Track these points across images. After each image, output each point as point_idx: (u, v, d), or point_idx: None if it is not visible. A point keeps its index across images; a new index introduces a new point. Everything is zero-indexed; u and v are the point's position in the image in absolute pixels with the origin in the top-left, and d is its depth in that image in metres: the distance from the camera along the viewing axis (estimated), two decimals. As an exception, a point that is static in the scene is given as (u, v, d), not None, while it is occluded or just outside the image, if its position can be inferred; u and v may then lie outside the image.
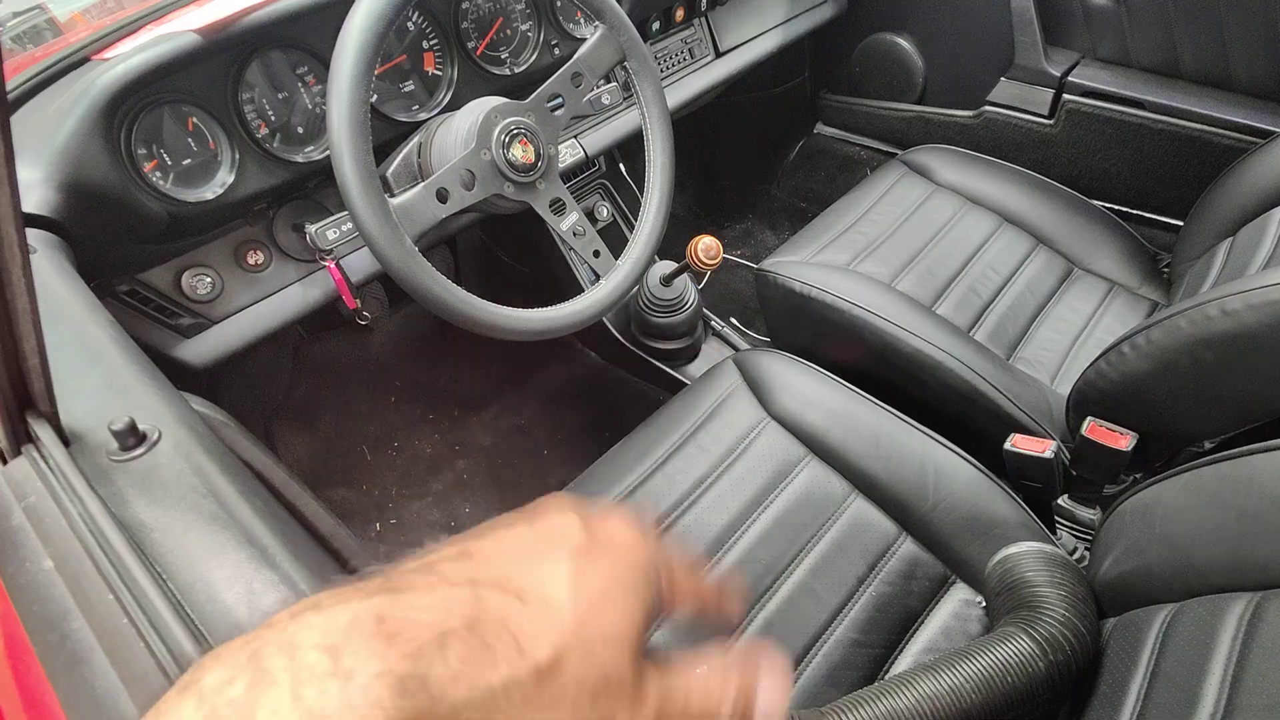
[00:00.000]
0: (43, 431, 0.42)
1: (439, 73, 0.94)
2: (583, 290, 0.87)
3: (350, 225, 0.82)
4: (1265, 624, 0.44)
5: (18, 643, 0.35)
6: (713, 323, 1.38)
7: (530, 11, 1.01)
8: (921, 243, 1.12)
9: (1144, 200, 1.28)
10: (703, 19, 1.31)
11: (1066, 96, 1.28)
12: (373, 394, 1.46)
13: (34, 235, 0.65)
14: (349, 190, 0.69)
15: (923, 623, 0.73)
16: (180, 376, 0.83)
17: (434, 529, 1.31)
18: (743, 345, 1.36)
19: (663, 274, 1.19)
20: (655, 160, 0.88)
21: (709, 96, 1.36)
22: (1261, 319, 0.64)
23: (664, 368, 1.30)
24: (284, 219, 0.89)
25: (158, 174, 0.77)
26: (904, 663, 0.71)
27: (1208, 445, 0.78)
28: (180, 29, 0.75)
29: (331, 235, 0.82)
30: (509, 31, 1.00)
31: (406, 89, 0.92)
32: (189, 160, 0.79)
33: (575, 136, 1.14)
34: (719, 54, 1.34)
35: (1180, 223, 1.11)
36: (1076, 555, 0.80)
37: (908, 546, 0.78)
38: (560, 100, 0.83)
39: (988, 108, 1.40)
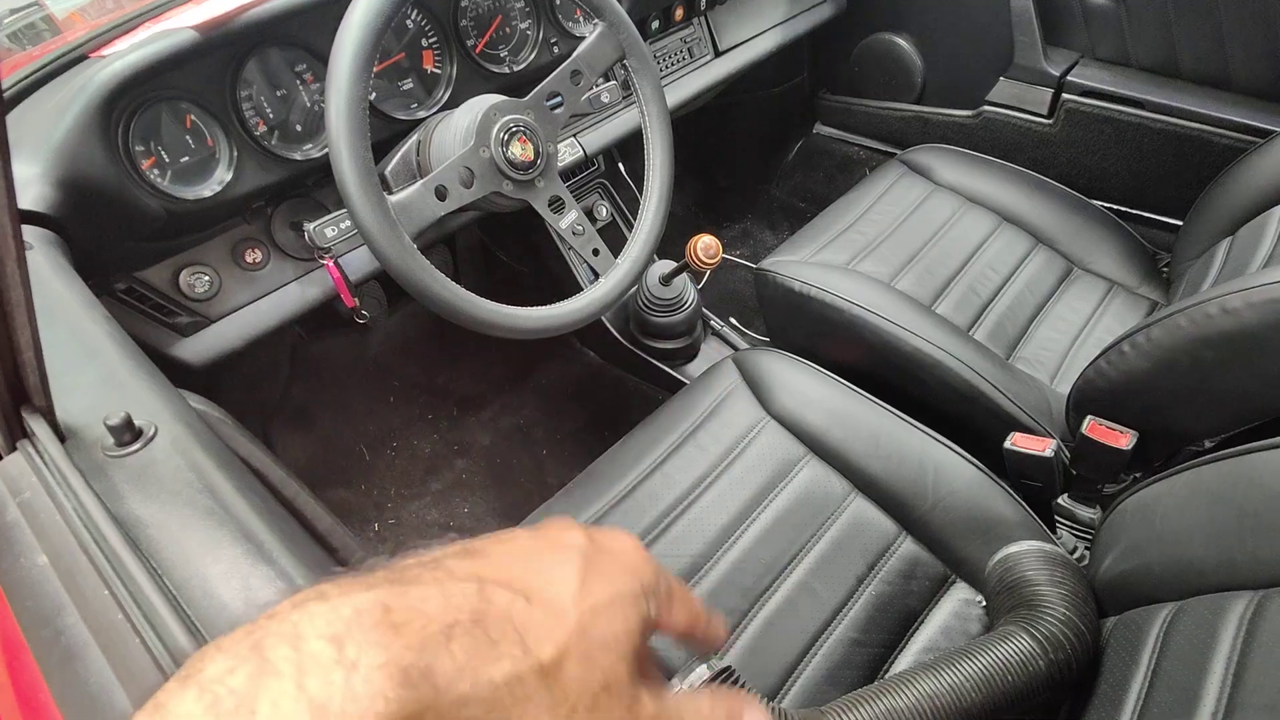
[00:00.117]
0: (38, 427, 0.41)
1: (438, 70, 0.94)
2: (581, 289, 0.87)
3: (349, 223, 0.82)
4: (1266, 623, 0.44)
5: (12, 638, 0.35)
6: (712, 322, 1.38)
7: (529, 9, 1.01)
8: (921, 242, 1.12)
9: (1143, 200, 1.28)
10: (702, 18, 1.31)
11: (1065, 96, 1.28)
12: (371, 393, 1.46)
13: (31, 232, 0.65)
14: (347, 188, 0.69)
15: (923, 622, 0.73)
16: (178, 375, 0.82)
17: (433, 529, 1.31)
18: (742, 345, 1.36)
19: (662, 273, 1.19)
20: (654, 159, 0.88)
21: (708, 96, 1.36)
22: (1262, 317, 0.64)
23: (663, 367, 1.29)
24: (282, 217, 0.89)
25: (155, 171, 0.77)
26: (904, 662, 0.71)
27: (1208, 444, 0.78)
28: (178, 26, 0.75)
29: (330, 233, 0.81)
30: (508, 29, 1.00)
31: (405, 87, 0.92)
32: (187, 158, 0.79)
33: (574, 135, 1.14)
34: (718, 53, 1.34)
35: (1179, 222, 1.11)
36: (1076, 554, 0.80)
37: (907, 546, 0.77)
38: (559, 98, 0.82)
39: (987, 107, 1.40)
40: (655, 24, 1.21)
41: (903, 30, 1.50)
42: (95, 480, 0.40)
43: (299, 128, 0.85)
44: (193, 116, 0.78)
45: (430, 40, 0.93)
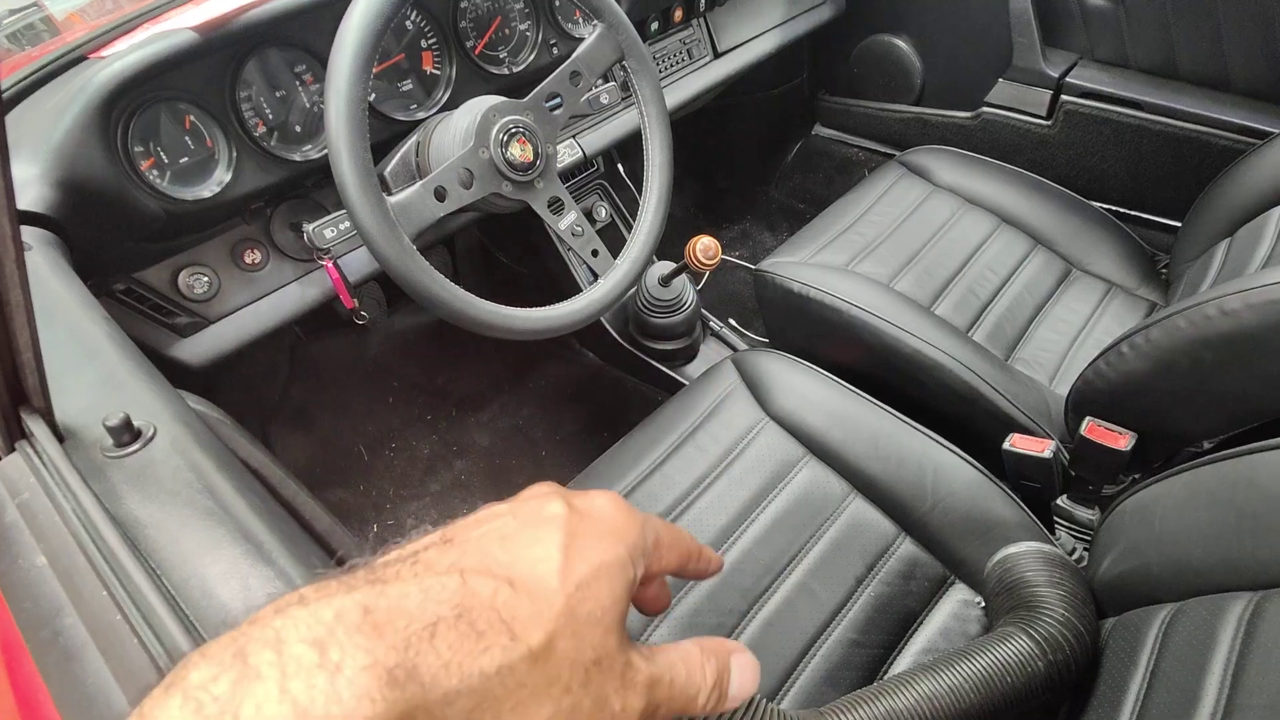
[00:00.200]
0: (37, 427, 0.41)
1: (437, 72, 0.94)
2: (581, 290, 0.87)
3: (348, 224, 0.82)
4: (1265, 623, 0.44)
5: (10, 639, 0.35)
6: (711, 323, 1.38)
7: (529, 10, 1.01)
8: (920, 243, 1.12)
9: (1142, 201, 1.28)
10: (701, 19, 1.31)
11: (1064, 97, 1.28)
12: (370, 394, 1.46)
13: (30, 233, 0.65)
14: (347, 188, 0.69)
15: (922, 623, 0.73)
16: (177, 376, 0.82)
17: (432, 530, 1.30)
18: (741, 346, 1.36)
19: (661, 274, 1.19)
20: (654, 160, 0.88)
21: (707, 97, 1.36)
22: (1260, 318, 0.64)
23: (662, 368, 1.29)
24: (281, 218, 0.89)
25: (154, 172, 0.77)
26: (903, 663, 0.71)
27: (1206, 445, 0.78)
28: (177, 27, 0.75)
29: (329, 234, 0.81)
30: (507, 31, 1.00)
31: (405, 88, 0.92)
32: (186, 158, 0.79)
33: (574, 136, 1.14)
34: (717, 54, 1.34)
35: (1178, 223, 1.11)
36: (1075, 555, 0.80)
37: (907, 547, 0.77)
38: (559, 99, 0.82)
39: (986, 109, 1.40)
40: (654, 25, 1.21)
41: (902, 32, 1.50)
42: (94, 481, 0.40)
43: (298, 129, 0.85)
44: (192, 117, 0.78)
45: (430, 41, 0.93)
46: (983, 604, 0.73)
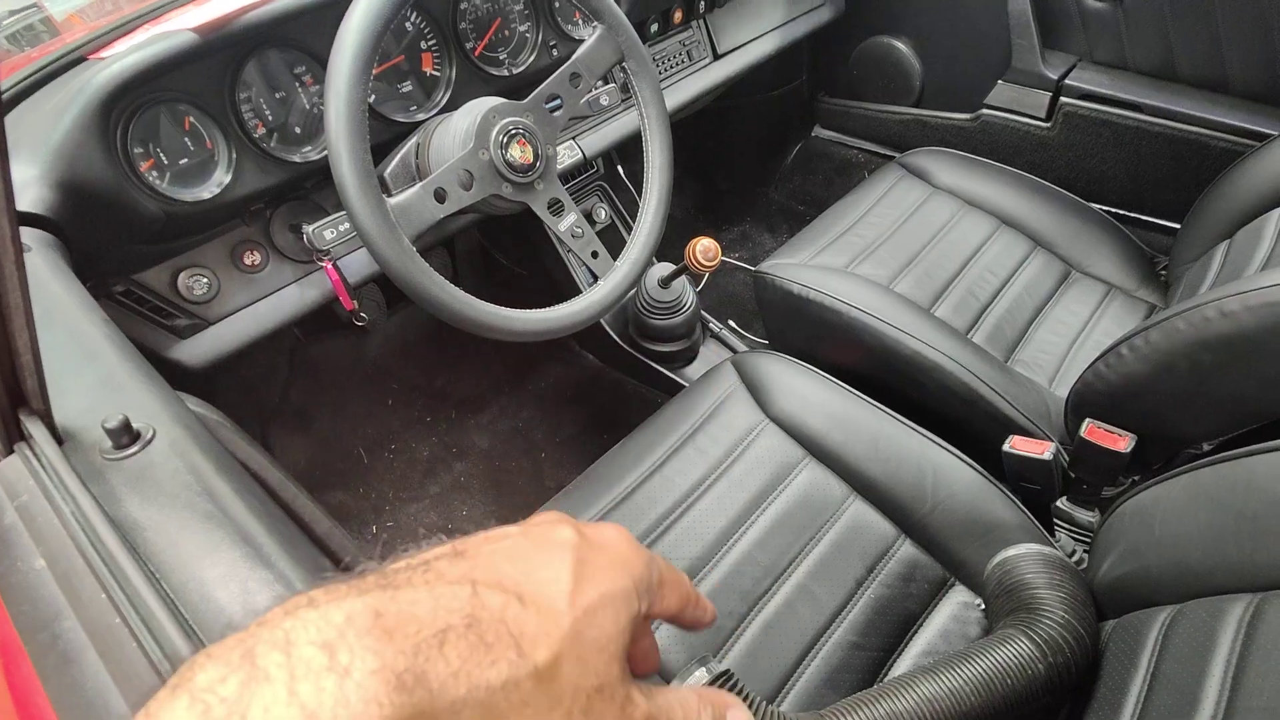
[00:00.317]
0: (36, 430, 0.41)
1: (437, 73, 0.94)
2: (581, 291, 0.87)
3: (348, 225, 0.82)
4: (1265, 625, 0.44)
5: (9, 642, 0.35)
6: (711, 325, 1.38)
7: (529, 12, 1.01)
8: (919, 245, 1.12)
9: (1141, 203, 1.28)
10: (701, 21, 1.31)
11: (1063, 99, 1.28)
12: (370, 396, 1.46)
13: (29, 234, 0.65)
14: (346, 190, 0.69)
15: (922, 625, 0.73)
16: (176, 377, 0.82)
17: (431, 532, 1.30)
18: (741, 347, 1.36)
19: (661, 276, 1.19)
20: (654, 161, 0.88)
21: (707, 99, 1.37)
22: (1259, 321, 0.64)
23: (662, 370, 1.29)
24: (281, 219, 0.89)
25: (154, 173, 0.77)
26: (903, 665, 0.71)
27: (1206, 447, 0.78)
28: (177, 28, 0.74)
29: (329, 235, 0.81)
30: (507, 32, 1.00)
31: (404, 89, 0.92)
32: (186, 160, 0.79)
33: (574, 138, 1.14)
34: (717, 56, 1.34)
35: (1177, 225, 1.11)
36: (1075, 557, 0.80)
37: (906, 549, 0.77)
38: (559, 101, 0.83)
39: (985, 111, 1.40)
40: (654, 27, 1.22)
41: (901, 34, 1.50)
42: (93, 483, 0.40)
43: (298, 130, 0.85)
44: (191, 118, 0.78)
45: (429, 43, 0.93)
46: (983, 606, 0.73)
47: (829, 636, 0.71)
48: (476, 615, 0.21)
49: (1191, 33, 1.13)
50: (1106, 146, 1.27)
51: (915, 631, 0.73)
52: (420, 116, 0.92)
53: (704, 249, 1.03)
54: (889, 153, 1.60)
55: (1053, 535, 0.81)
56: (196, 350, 0.84)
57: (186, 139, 0.79)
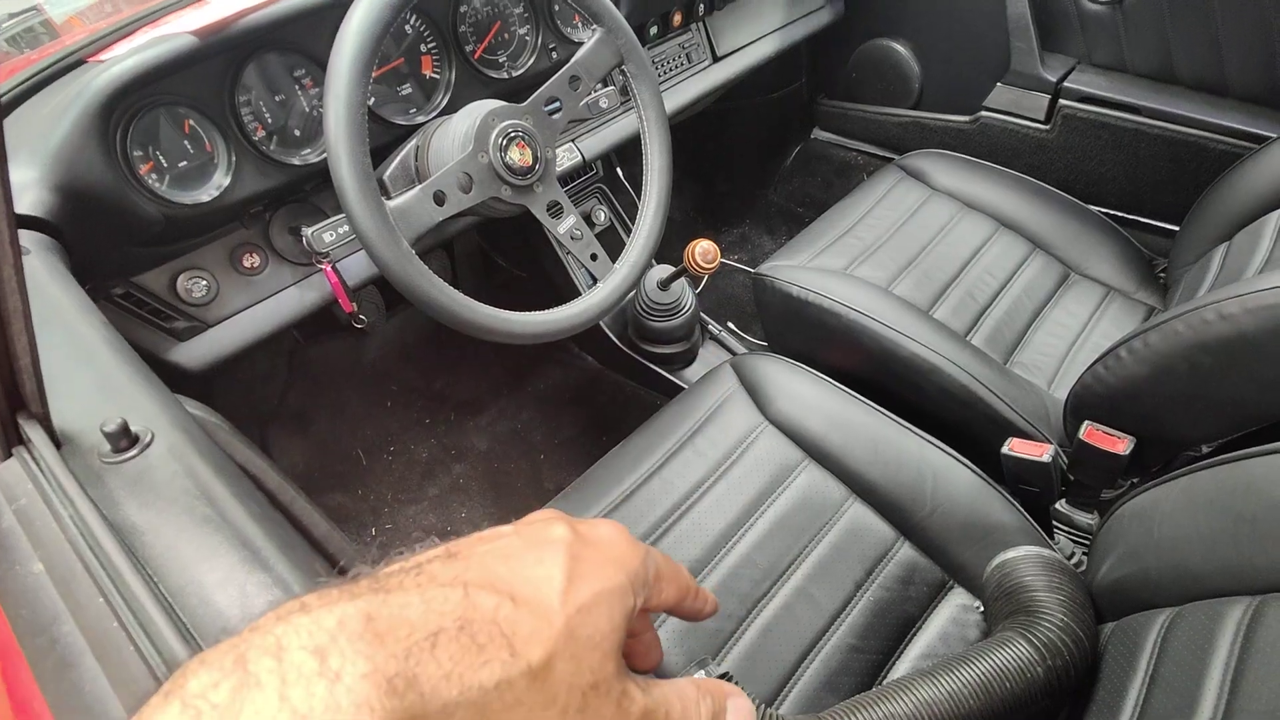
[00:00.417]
0: (34, 433, 0.41)
1: (436, 76, 0.94)
2: (580, 294, 0.87)
3: (347, 228, 0.82)
4: (1264, 628, 0.44)
5: (7, 646, 0.35)
6: (710, 327, 1.38)
7: (528, 15, 1.01)
8: (918, 247, 1.12)
9: (1140, 205, 1.28)
10: (700, 24, 1.32)
11: (1062, 102, 1.28)
12: (368, 398, 1.46)
13: (28, 237, 0.65)
14: (346, 193, 0.69)
15: (921, 628, 0.73)
16: (175, 380, 0.82)
17: (430, 534, 1.30)
18: (740, 349, 1.36)
19: (660, 278, 1.19)
20: (653, 164, 0.88)
21: (706, 101, 1.37)
22: (1258, 323, 0.64)
23: (661, 372, 1.29)
24: (280, 222, 0.89)
25: (153, 176, 0.77)
26: (902, 668, 0.71)
27: (1205, 449, 0.78)
28: (177, 31, 0.75)
29: (328, 238, 0.81)
30: (507, 35, 1.00)
31: (404, 92, 0.92)
32: (185, 162, 0.79)
33: (573, 140, 1.14)
34: (716, 59, 1.34)
35: (1176, 227, 1.12)
36: (1074, 560, 0.80)
37: (905, 551, 0.77)
38: (558, 103, 0.83)
39: (984, 113, 1.40)
40: (653, 29, 1.22)
41: (900, 36, 1.50)
42: (91, 487, 0.40)
43: (297, 133, 0.85)
44: (191, 121, 0.78)
45: (429, 45, 0.93)
46: (982, 609, 0.73)
47: (828, 639, 0.71)
48: (468, 617, 0.21)
49: (1190, 35, 1.13)
50: (1105, 149, 1.27)
51: (914, 634, 0.73)
52: (420, 119, 0.92)
53: (703, 251, 1.03)
54: (888, 155, 1.60)
55: (1052, 538, 0.81)
56: (195, 353, 0.84)
57: (186, 142, 0.79)
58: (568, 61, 0.82)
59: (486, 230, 1.46)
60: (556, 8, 1.04)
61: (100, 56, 0.80)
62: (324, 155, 0.84)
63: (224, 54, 0.78)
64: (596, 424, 1.43)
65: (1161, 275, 1.14)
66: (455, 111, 0.84)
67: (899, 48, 1.50)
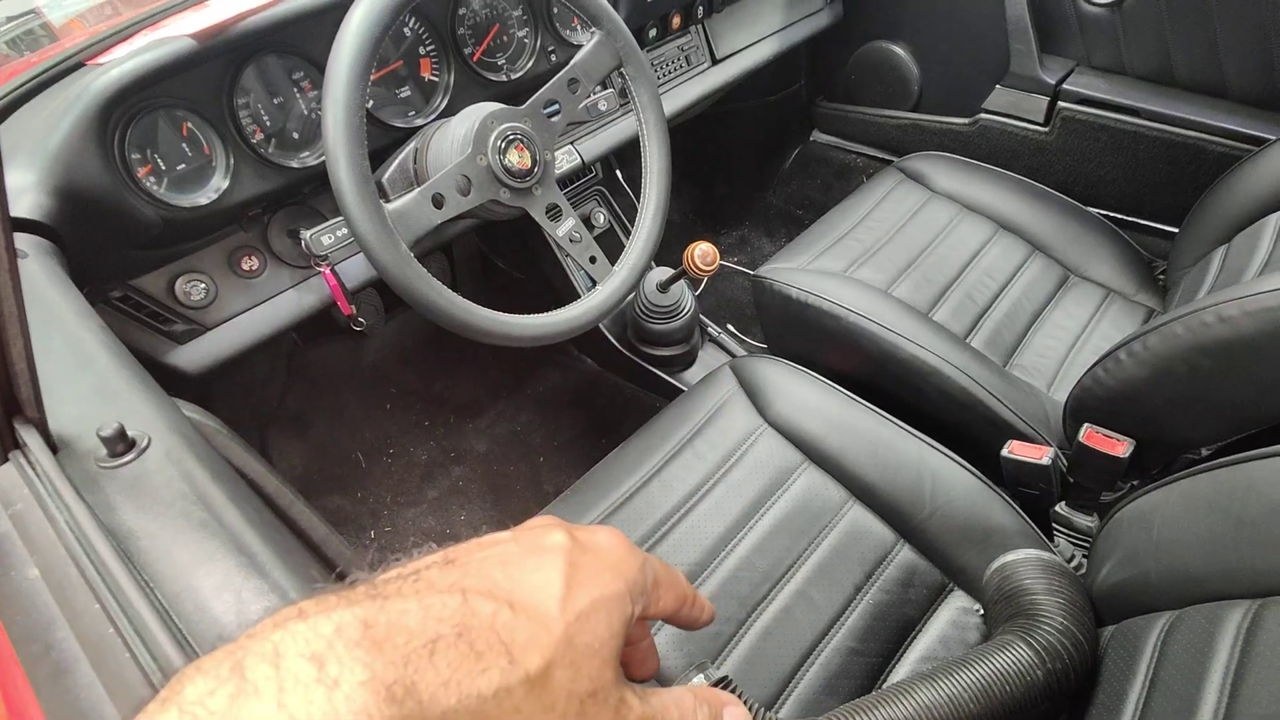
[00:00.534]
0: (30, 438, 0.41)
1: (435, 79, 0.94)
2: (579, 296, 0.87)
3: (345, 231, 0.82)
4: (1264, 632, 0.44)
5: (2, 653, 0.34)
6: (709, 329, 1.38)
7: (527, 18, 1.01)
8: (918, 249, 1.12)
9: (1139, 207, 1.28)
10: (699, 26, 1.32)
11: (1061, 104, 1.28)
12: (368, 401, 1.46)
13: (26, 240, 0.65)
14: (344, 195, 0.69)
15: (920, 631, 0.73)
16: (173, 383, 0.82)
17: (429, 537, 1.30)
18: (739, 352, 1.36)
19: (659, 280, 1.19)
20: (652, 166, 0.88)
21: (706, 103, 1.37)
22: (1258, 326, 0.64)
23: (660, 374, 1.29)
24: (279, 225, 0.89)
25: (152, 179, 0.77)
26: (902, 671, 0.70)
27: (1205, 452, 0.78)
28: (175, 34, 0.75)
29: (327, 241, 0.81)
30: (506, 38, 1.00)
31: (403, 95, 0.92)
32: (183, 165, 0.79)
33: (572, 143, 1.14)
34: (715, 61, 1.34)
35: (1175, 229, 1.12)
36: (1074, 563, 0.79)
37: (905, 554, 0.77)
38: (557, 106, 0.83)
39: (983, 115, 1.40)
40: (653, 32, 1.22)
41: (899, 38, 1.50)
42: (87, 492, 0.39)
43: (296, 135, 0.85)
44: (189, 124, 0.78)
45: (428, 48, 0.93)
46: (981, 611, 0.73)
47: (827, 642, 0.71)
48: (467, 624, 0.21)
49: (1189, 38, 1.13)
50: (1104, 151, 1.27)
51: (914, 637, 0.73)
52: (418, 122, 0.92)
53: (702, 253, 1.03)
54: (887, 157, 1.61)
55: (1052, 540, 0.81)
56: (194, 356, 0.84)
57: (184, 145, 0.79)
58: (567, 64, 0.82)
59: (485, 233, 1.46)
60: (555, 10, 1.04)
61: (99, 59, 0.79)
62: (322, 158, 0.83)
63: (223, 57, 0.78)
64: (596, 426, 1.43)
65: (1161, 277, 1.14)
66: (454, 114, 0.84)
67: (898, 50, 1.50)
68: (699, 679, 0.39)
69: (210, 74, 0.78)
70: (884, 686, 0.64)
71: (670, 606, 0.29)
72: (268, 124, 0.83)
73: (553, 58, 1.04)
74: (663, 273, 1.20)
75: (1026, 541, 0.74)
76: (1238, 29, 1.08)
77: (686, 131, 1.59)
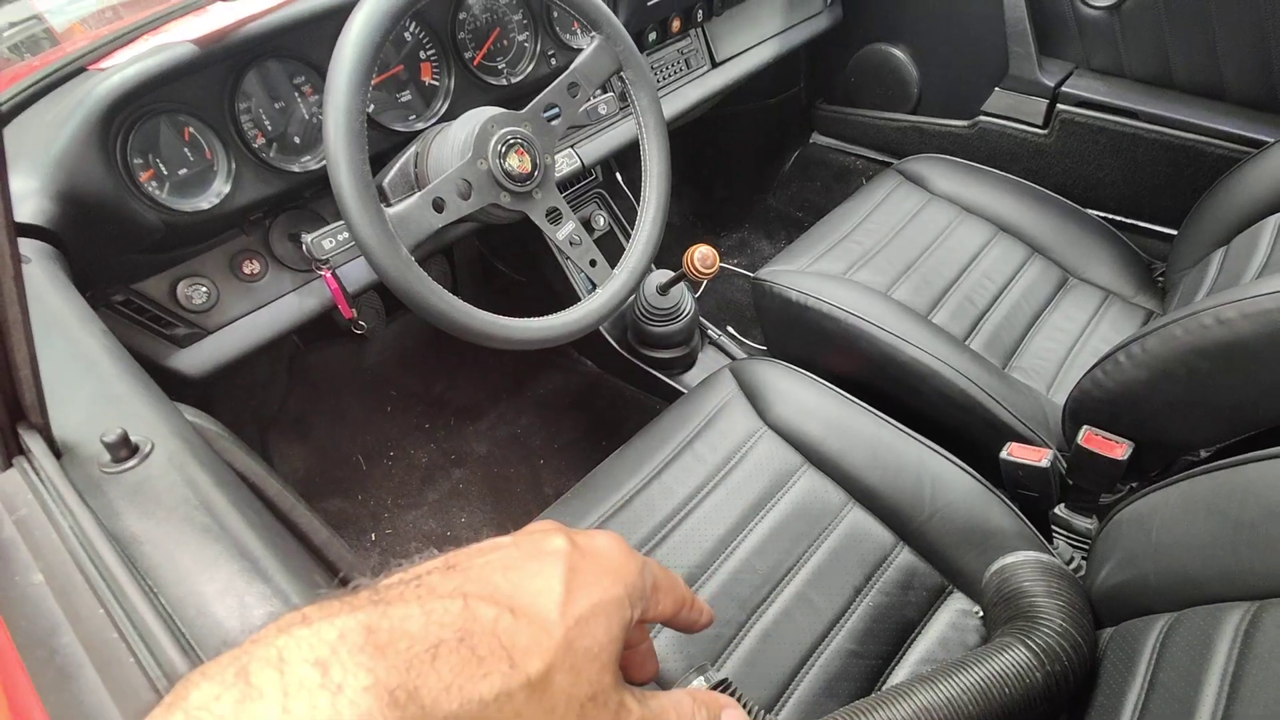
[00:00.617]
0: (34, 443, 0.41)
1: (436, 83, 0.95)
2: (580, 299, 0.87)
3: (346, 235, 0.82)
4: (1262, 634, 0.44)
5: (7, 657, 0.35)
6: (709, 331, 1.38)
7: (527, 22, 1.02)
8: (917, 252, 1.13)
9: (1138, 209, 1.28)
10: (699, 29, 1.32)
11: (1060, 106, 1.28)
12: (368, 404, 1.46)
13: (29, 245, 0.65)
14: (345, 200, 0.69)
15: (920, 633, 0.73)
16: (175, 387, 0.82)
17: (430, 539, 1.30)
18: (739, 354, 1.36)
19: (659, 283, 1.19)
20: (651, 169, 0.89)
21: (705, 106, 1.37)
22: (1256, 328, 0.65)
23: (660, 376, 1.30)
24: (280, 229, 0.89)
25: (154, 184, 0.77)
26: (901, 673, 0.71)
27: (1203, 454, 0.78)
28: (177, 39, 0.75)
29: (328, 245, 0.82)
30: (506, 42, 1.00)
31: (403, 99, 0.93)
32: (185, 170, 0.79)
33: (572, 146, 1.14)
34: (715, 64, 1.34)
35: (1174, 231, 1.12)
36: (1073, 565, 0.80)
37: (905, 556, 0.77)
38: (557, 110, 0.83)
39: (982, 117, 1.40)
40: (652, 36, 1.22)
41: (898, 41, 1.50)
42: (91, 497, 0.40)
43: (297, 140, 0.86)
44: (191, 129, 0.79)
45: (428, 52, 0.93)
46: (981, 614, 0.73)
47: (827, 644, 0.71)
48: (468, 629, 0.21)
49: (1188, 40, 1.14)
50: (1103, 153, 1.27)
51: (914, 639, 0.73)
52: (419, 126, 0.92)
53: (702, 256, 1.03)
54: (887, 159, 1.61)
55: (1051, 543, 0.81)
56: (195, 359, 0.85)
57: (186, 149, 0.79)
58: (567, 68, 0.83)
59: (486, 236, 1.47)
60: (555, 14, 1.04)
61: (101, 64, 0.80)
62: (324, 162, 0.84)
63: (224, 62, 0.78)
64: (596, 429, 1.43)
65: (1160, 279, 1.14)
66: (454, 118, 0.84)
67: (897, 53, 1.50)
68: (699, 681, 0.39)
69: (212, 79, 0.78)
70: (883, 688, 0.65)
71: (669, 610, 0.29)
72: (269, 128, 0.83)
73: (553, 62, 1.04)
74: (663, 275, 1.20)
75: (1026, 544, 0.74)
76: (1236, 32, 1.08)
77: (686, 134, 1.59)
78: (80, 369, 0.50)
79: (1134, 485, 0.83)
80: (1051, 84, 1.28)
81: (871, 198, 1.24)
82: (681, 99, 1.28)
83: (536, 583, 0.24)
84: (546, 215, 0.84)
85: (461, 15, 0.94)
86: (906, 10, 1.47)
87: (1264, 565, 0.47)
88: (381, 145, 0.89)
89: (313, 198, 0.92)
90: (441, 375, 1.51)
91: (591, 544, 0.27)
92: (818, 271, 1.10)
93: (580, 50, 0.84)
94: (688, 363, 1.30)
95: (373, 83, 0.70)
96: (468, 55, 0.96)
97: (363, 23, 0.69)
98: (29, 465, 0.41)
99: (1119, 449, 0.78)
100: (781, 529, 0.79)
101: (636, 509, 0.81)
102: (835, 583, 0.75)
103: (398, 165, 0.86)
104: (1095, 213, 1.23)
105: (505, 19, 0.99)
